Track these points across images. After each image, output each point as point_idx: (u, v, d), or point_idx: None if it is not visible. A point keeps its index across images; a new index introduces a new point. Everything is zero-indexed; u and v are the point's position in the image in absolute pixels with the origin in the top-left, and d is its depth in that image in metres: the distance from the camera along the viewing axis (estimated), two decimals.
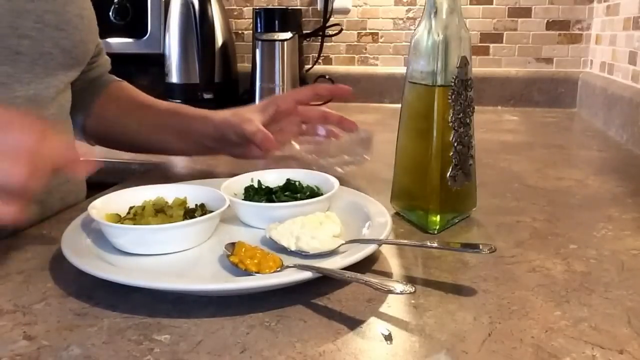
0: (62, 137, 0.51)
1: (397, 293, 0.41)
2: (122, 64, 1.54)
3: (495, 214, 0.65)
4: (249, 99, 1.50)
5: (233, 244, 0.48)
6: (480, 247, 0.48)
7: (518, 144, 1.08)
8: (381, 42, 1.64)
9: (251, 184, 0.63)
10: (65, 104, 0.69)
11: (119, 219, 0.53)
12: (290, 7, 1.60)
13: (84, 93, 0.78)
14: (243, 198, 0.60)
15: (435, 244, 0.51)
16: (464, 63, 0.58)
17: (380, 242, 0.50)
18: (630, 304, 0.44)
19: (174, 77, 1.52)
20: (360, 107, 1.58)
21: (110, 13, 1.52)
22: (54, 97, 0.64)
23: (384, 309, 0.43)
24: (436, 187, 0.59)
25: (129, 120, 0.79)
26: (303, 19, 1.61)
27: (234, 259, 0.46)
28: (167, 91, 1.51)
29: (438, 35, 0.57)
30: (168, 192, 0.58)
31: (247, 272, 0.45)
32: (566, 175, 0.84)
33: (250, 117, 0.72)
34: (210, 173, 0.88)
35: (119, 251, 0.51)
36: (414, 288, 0.41)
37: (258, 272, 0.45)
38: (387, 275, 0.50)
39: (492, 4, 1.55)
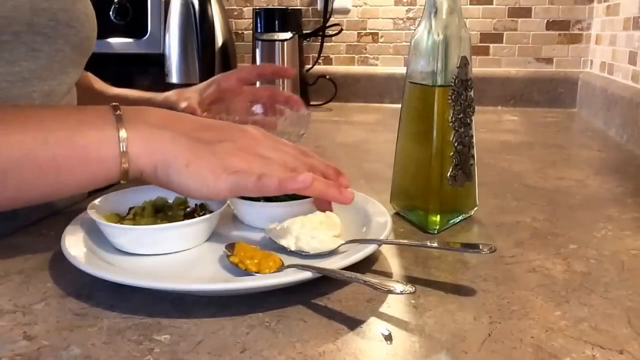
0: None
1: (397, 293, 0.41)
2: (122, 64, 1.55)
3: (495, 214, 0.65)
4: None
5: (233, 244, 0.48)
6: (480, 247, 0.48)
7: (518, 144, 1.08)
8: (381, 42, 1.64)
9: None
10: (72, 101, 0.70)
11: (119, 219, 0.53)
12: (290, 7, 1.60)
13: None
14: (242, 197, 0.60)
15: (435, 244, 0.51)
16: (464, 63, 0.58)
17: (380, 242, 0.50)
18: (630, 304, 0.44)
19: (174, 77, 1.52)
20: (360, 107, 1.58)
21: (110, 13, 1.52)
22: (65, 94, 0.66)
23: (384, 309, 0.43)
24: (436, 187, 0.59)
25: None
26: (303, 19, 1.61)
27: (234, 259, 0.46)
28: (166, 92, 1.51)
29: (438, 35, 0.57)
30: (168, 192, 0.58)
31: (247, 272, 0.45)
32: (566, 175, 0.84)
33: (188, 96, 0.75)
34: None
35: (119, 251, 0.50)
36: (414, 288, 0.41)
37: (258, 272, 0.45)
38: (387, 275, 0.50)
39: (492, 4, 1.55)
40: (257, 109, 0.80)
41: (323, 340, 0.39)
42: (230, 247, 0.48)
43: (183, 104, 0.74)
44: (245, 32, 1.71)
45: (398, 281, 0.43)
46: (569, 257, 0.53)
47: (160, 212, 0.54)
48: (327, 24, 1.57)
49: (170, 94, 0.77)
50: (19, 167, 0.43)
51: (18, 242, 0.57)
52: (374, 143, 1.11)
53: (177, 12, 1.50)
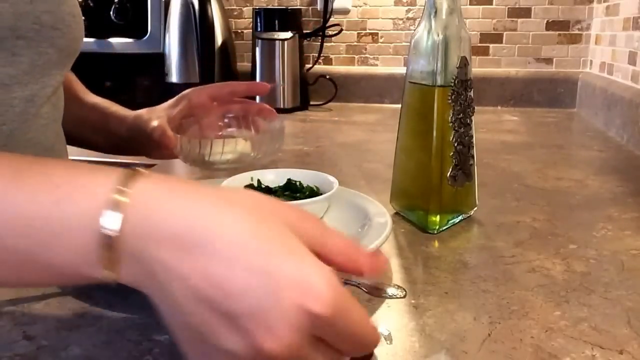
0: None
1: (388, 297, 0.41)
2: (122, 64, 1.55)
3: (495, 214, 0.65)
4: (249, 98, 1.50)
5: None
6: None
7: (518, 144, 1.08)
8: (381, 42, 1.64)
9: (251, 182, 0.63)
10: (58, 103, 0.69)
11: None
12: (290, 7, 1.60)
13: None
14: None
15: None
16: (464, 63, 0.58)
17: None
18: (630, 304, 0.44)
19: (174, 77, 1.52)
20: (361, 107, 1.58)
21: (111, 13, 1.52)
22: (49, 97, 0.64)
23: (383, 309, 0.43)
24: (436, 187, 0.59)
25: None
26: (303, 19, 1.61)
27: None
28: (167, 91, 1.51)
29: (438, 36, 0.57)
30: None
31: None
32: (566, 175, 0.84)
33: (159, 115, 0.74)
34: (210, 173, 0.88)
35: None
36: (404, 292, 0.41)
37: None
38: (387, 275, 0.49)
39: (492, 4, 1.55)
40: (228, 121, 0.79)
41: None
42: None
43: (154, 123, 0.73)
44: (245, 31, 1.71)
45: (390, 285, 0.43)
46: (568, 257, 0.53)
47: None
48: (327, 24, 1.57)
49: (142, 112, 0.77)
50: None
51: None
52: (374, 143, 1.11)
53: (177, 12, 1.50)
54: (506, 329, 0.40)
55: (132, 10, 1.53)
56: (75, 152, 0.75)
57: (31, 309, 0.43)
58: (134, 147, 0.77)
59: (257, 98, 1.37)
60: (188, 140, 0.70)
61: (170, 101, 0.79)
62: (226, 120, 0.78)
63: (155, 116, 0.74)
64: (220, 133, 0.76)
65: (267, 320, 0.26)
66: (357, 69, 1.66)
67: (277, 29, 1.49)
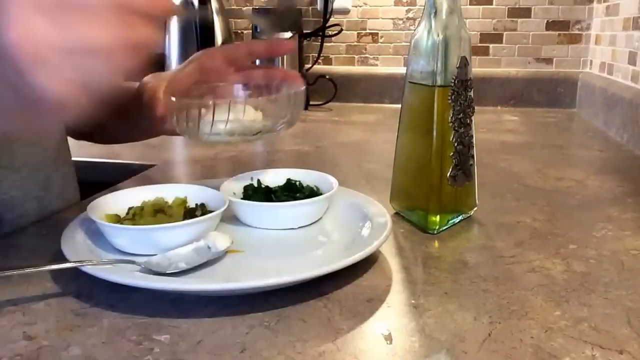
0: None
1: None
2: None
3: (495, 214, 0.65)
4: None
5: None
6: None
7: (518, 144, 1.08)
8: (381, 43, 1.64)
9: (251, 182, 0.63)
10: None
11: (118, 219, 0.53)
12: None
13: None
14: (242, 197, 0.60)
15: None
16: (464, 63, 0.58)
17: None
18: (630, 304, 0.44)
19: None
20: (361, 107, 1.59)
21: None
22: None
23: (384, 309, 0.43)
24: (436, 187, 0.59)
25: None
26: (303, 19, 1.61)
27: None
28: None
29: (438, 36, 0.57)
30: (168, 192, 0.58)
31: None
32: (566, 175, 0.84)
33: (163, 77, 0.65)
34: (210, 173, 0.88)
35: (119, 251, 0.51)
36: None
37: None
38: (387, 275, 0.49)
39: (492, 4, 1.55)
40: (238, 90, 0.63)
41: (322, 340, 0.39)
42: None
43: (148, 85, 0.65)
44: (245, 31, 1.71)
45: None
46: (568, 257, 0.53)
47: (160, 212, 0.54)
48: (327, 24, 1.57)
49: (146, 77, 0.67)
50: None
51: (18, 242, 0.57)
52: (374, 143, 1.11)
53: None
54: (506, 329, 0.40)
55: None
56: (75, 152, 0.75)
57: (31, 309, 0.43)
58: (140, 123, 0.68)
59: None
60: (180, 104, 0.56)
61: (180, 65, 0.67)
62: (248, 91, 0.63)
63: (157, 79, 0.65)
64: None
65: None
66: (357, 69, 1.66)
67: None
